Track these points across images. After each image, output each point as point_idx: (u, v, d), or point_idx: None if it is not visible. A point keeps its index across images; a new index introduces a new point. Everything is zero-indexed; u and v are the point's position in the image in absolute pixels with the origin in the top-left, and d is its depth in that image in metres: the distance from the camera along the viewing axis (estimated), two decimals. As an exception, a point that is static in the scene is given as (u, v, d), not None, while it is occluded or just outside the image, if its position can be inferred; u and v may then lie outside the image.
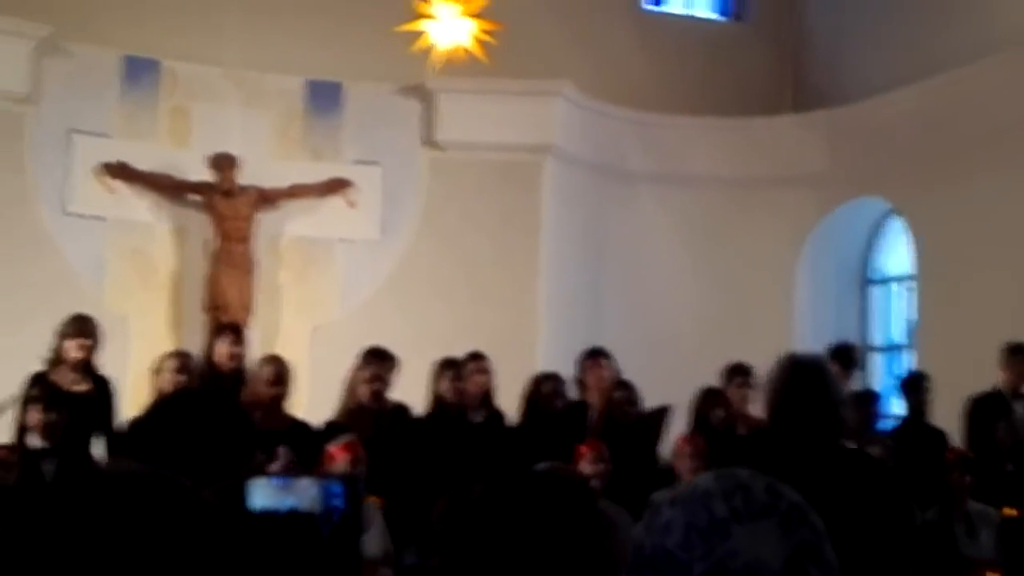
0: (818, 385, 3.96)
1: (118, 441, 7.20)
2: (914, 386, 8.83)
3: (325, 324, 11.45)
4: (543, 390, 7.94)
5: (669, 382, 8.35)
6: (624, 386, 7.93)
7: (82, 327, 7.44)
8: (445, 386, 7.70)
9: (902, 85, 11.63)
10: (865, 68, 12.50)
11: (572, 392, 8.28)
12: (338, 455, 6.50)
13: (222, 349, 7.85)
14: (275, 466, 6.58)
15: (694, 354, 10.43)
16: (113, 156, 11.18)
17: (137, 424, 7.01)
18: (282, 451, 6.58)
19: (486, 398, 8.18)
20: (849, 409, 8.44)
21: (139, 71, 11.45)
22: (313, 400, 8.66)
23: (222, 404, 3.03)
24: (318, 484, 2.74)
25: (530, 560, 2.73)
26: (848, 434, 8.03)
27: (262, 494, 2.67)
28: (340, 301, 11.69)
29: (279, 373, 7.34)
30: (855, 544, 3.09)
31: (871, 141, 12.11)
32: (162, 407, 5.57)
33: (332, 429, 7.06)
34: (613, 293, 12.46)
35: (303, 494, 2.72)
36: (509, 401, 8.25)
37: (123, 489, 1.56)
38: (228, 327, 8.60)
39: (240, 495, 2.66)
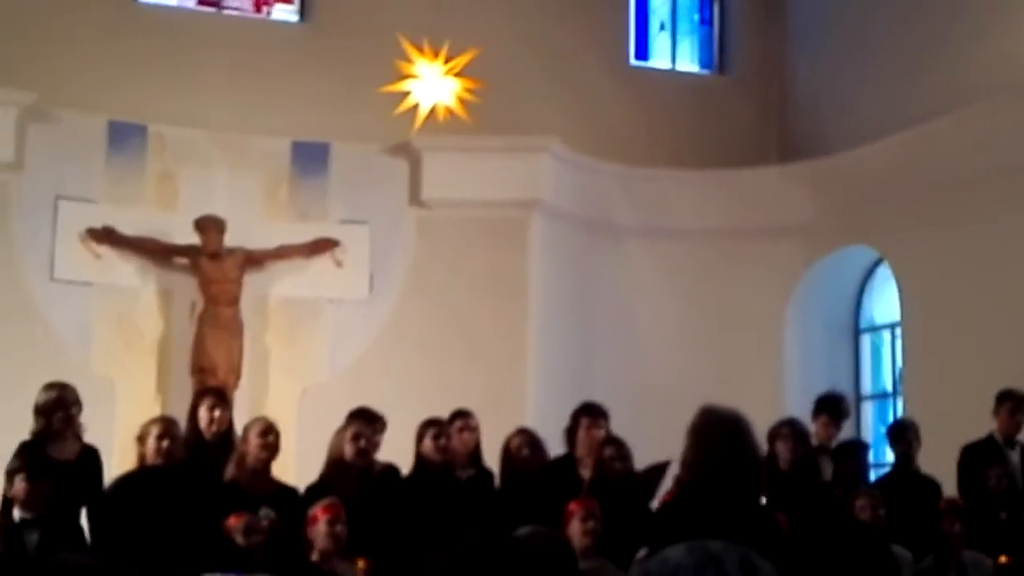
0: (735, 441, 3.92)
1: (96, 513, 7.15)
2: (899, 434, 8.79)
3: (313, 386, 11.41)
4: (512, 446, 7.89)
5: (660, 436, 8.26)
6: (614, 442, 7.85)
7: (61, 396, 7.36)
8: (428, 445, 7.64)
9: (886, 134, 11.69)
10: (849, 118, 12.56)
11: (558, 443, 8.21)
12: (319, 515, 6.47)
13: (203, 414, 7.80)
14: (261, 514, 6.53)
15: (684, 407, 10.35)
16: (99, 221, 11.19)
17: (102, 500, 7.02)
18: (264, 512, 6.53)
19: (475, 456, 8.13)
20: (829, 460, 8.42)
21: (125, 136, 11.48)
22: (301, 463, 8.59)
23: (184, 482, 2.97)
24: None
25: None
26: (835, 485, 8.04)
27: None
28: (328, 362, 11.65)
29: (269, 426, 7.32)
30: None
31: (857, 190, 12.14)
32: (121, 486, 5.50)
33: (316, 492, 7.01)
34: (602, 347, 12.43)
35: None
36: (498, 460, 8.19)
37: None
38: (209, 391, 8.53)
39: None
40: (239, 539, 6.48)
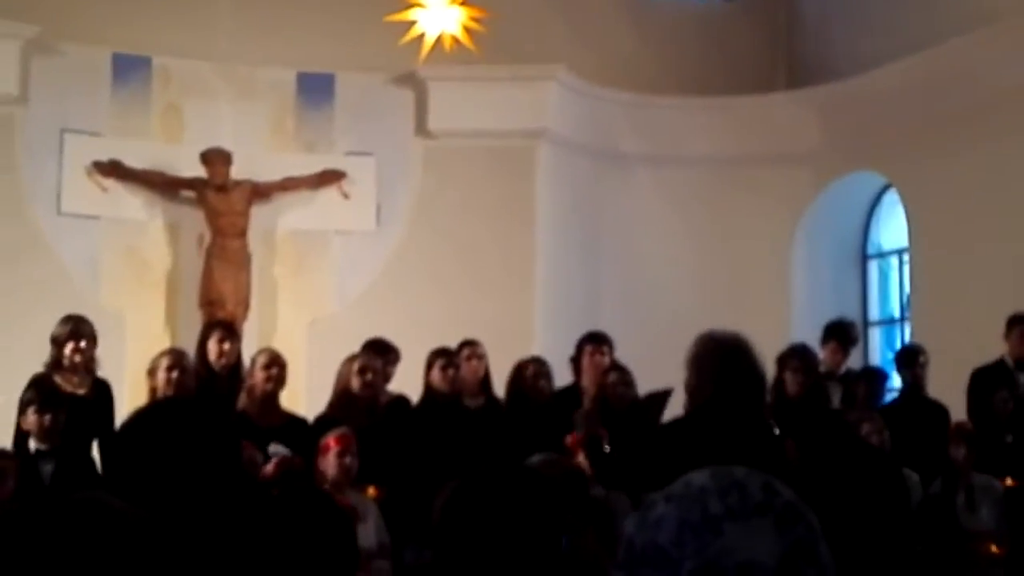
0: (742, 362, 3.94)
1: (111, 446, 7.19)
2: (909, 359, 8.80)
3: (322, 317, 11.44)
4: (526, 374, 7.90)
5: (667, 364, 8.27)
6: (618, 369, 7.88)
7: (76, 328, 7.41)
8: (436, 375, 7.68)
9: (894, 59, 11.59)
10: (857, 43, 12.45)
11: (566, 374, 8.23)
12: (330, 446, 6.51)
13: (212, 346, 7.83)
14: (269, 467, 6.56)
15: (691, 335, 10.38)
16: (105, 154, 11.16)
17: (118, 435, 7.02)
18: (273, 449, 6.55)
19: (484, 384, 8.16)
20: (839, 386, 8.42)
21: (130, 68, 11.43)
22: (311, 394, 8.64)
23: (200, 414, 2.98)
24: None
25: (524, 553, 2.72)
26: (845, 410, 8.06)
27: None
28: (337, 294, 11.68)
29: (273, 357, 7.34)
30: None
31: (865, 116, 12.07)
32: (139, 419, 5.49)
33: (324, 423, 7.04)
34: (610, 276, 12.44)
35: None
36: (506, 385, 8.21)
37: (85, 519, 1.54)
38: (218, 324, 8.57)
39: None
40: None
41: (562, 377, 8.32)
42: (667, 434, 4.52)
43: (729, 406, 4.04)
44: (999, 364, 8.69)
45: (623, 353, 8.35)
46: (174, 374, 7.19)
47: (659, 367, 8.32)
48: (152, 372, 7.30)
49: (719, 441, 3.94)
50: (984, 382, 8.53)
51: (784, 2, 13.70)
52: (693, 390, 4.31)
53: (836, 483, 2.96)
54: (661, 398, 7.73)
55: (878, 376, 8.76)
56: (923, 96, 11.42)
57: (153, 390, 7.27)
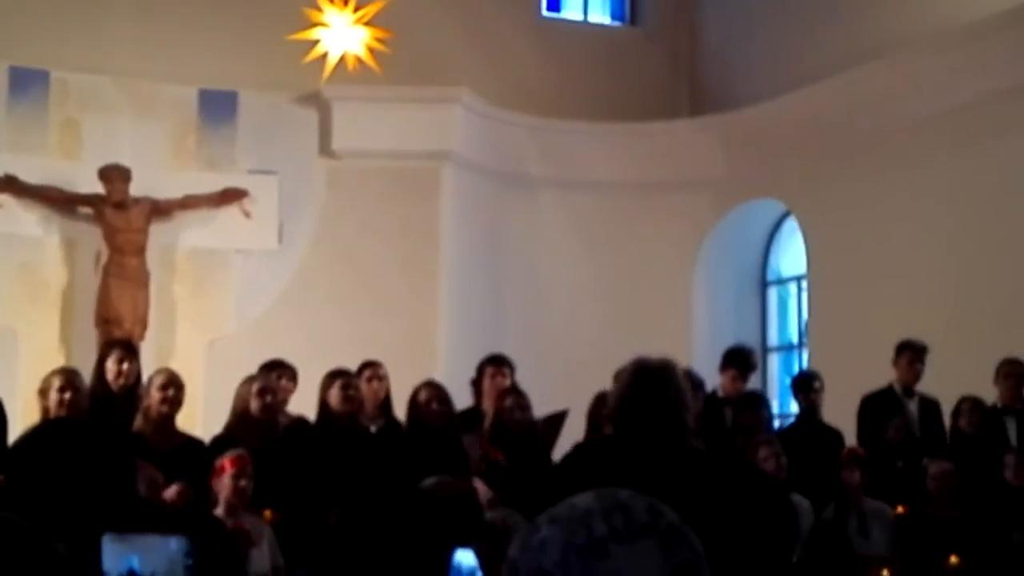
0: (659, 388, 3.97)
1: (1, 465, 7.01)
2: (804, 385, 8.90)
3: (221, 337, 11.32)
4: (420, 398, 7.83)
5: (568, 387, 8.35)
6: (515, 393, 7.85)
7: None
8: (334, 396, 7.57)
9: (794, 89, 11.79)
10: (758, 72, 12.65)
11: (467, 396, 8.20)
12: (225, 467, 6.43)
13: (111, 366, 7.67)
14: (170, 491, 6.44)
15: (593, 358, 10.42)
16: (0, 170, 10.94)
17: (8, 454, 6.84)
18: (174, 487, 6.44)
19: (384, 406, 8.09)
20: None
21: (26, 82, 11.24)
22: (208, 415, 8.54)
23: (93, 435, 2.91)
24: (165, 542, 2.59)
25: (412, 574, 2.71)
26: (736, 435, 8.13)
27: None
28: (236, 314, 11.56)
29: (170, 378, 7.19)
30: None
31: (766, 144, 12.26)
32: (30, 439, 5.36)
33: (221, 444, 6.94)
34: (513, 298, 12.47)
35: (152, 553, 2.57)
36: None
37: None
38: (117, 343, 8.40)
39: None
40: (141, 489, 6.40)
41: (465, 397, 8.30)
42: (567, 459, 4.53)
43: (634, 428, 4.06)
44: (887, 390, 8.82)
45: (525, 375, 8.35)
46: (67, 395, 7.01)
47: (560, 388, 8.37)
48: (44, 392, 7.10)
49: (617, 463, 3.95)
50: (873, 408, 8.66)
51: (687, 29, 13.88)
52: (609, 412, 4.33)
53: (722, 506, 2.98)
54: (557, 420, 7.74)
55: (758, 399, 8.76)
56: (822, 125, 11.63)
57: (45, 410, 7.09)
